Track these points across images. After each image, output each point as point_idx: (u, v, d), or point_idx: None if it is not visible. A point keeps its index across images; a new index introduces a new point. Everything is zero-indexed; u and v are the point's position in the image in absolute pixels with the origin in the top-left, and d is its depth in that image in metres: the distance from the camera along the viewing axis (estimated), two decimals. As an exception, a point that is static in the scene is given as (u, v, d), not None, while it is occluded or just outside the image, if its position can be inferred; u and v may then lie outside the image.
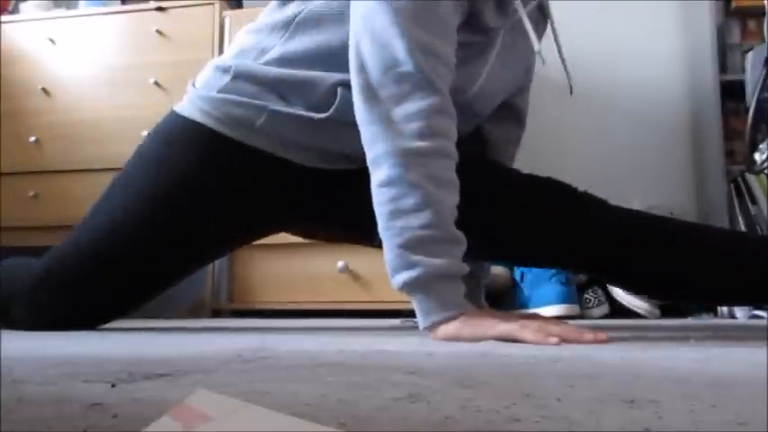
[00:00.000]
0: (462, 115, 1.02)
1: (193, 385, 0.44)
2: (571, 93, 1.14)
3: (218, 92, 1.04)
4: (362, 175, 0.92)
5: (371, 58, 0.89)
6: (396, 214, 0.86)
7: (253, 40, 1.07)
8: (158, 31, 2.30)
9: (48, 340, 0.86)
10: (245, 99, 1.02)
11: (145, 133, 2.25)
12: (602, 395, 0.40)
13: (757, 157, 1.69)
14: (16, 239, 2.22)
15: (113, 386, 0.43)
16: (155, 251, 1.07)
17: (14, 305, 1.08)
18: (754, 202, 2.22)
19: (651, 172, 2.55)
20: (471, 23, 0.97)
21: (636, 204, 2.26)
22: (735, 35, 2.41)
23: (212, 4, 2.30)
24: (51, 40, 2.37)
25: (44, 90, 2.34)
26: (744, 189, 2.24)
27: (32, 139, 2.31)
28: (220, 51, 2.26)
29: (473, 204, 0.94)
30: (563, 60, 1.15)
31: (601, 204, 1.03)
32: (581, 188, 1.09)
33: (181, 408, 0.27)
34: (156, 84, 2.27)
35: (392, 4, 0.88)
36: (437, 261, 0.84)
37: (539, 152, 2.66)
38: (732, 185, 2.27)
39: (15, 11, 2.64)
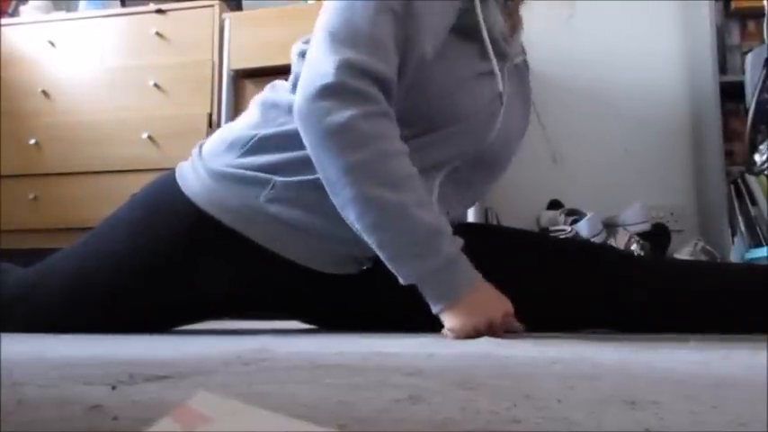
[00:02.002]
0: (485, 169, 1.05)
1: (194, 387, 0.44)
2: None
3: (225, 166, 1.00)
4: (359, 280, 0.97)
5: (303, 82, 0.90)
6: (368, 231, 0.88)
7: (265, 113, 1.03)
8: (158, 34, 2.31)
9: (48, 342, 0.86)
10: (250, 173, 0.98)
11: (145, 135, 2.25)
12: (603, 396, 0.40)
13: (757, 158, 1.69)
14: (16, 242, 2.22)
15: (114, 388, 0.43)
16: (121, 313, 1.04)
17: None
18: (753, 203, 2.22)
19: (651, 173, 2.55)
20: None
21: (637, 205, 2.27)
22: (734, 36, 2.41)
23: (212, 6, 2.30)
24: (51, 43, 2.38)
25: (44, 92, 2.34)
26: (744, 190, 2.25)
27: (32, 141, 2.31)
28: (220, 53, 2.26)
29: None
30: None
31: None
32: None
33: (181, 409, 0.27)
34: (156, 86, 2.27)
35: (326, 28, 0.90)
36: (420, 264, 0.87)
37: (539, 153, 2.67)
38: (732, 186, 2.27)
39: (15, 13, 2.64)
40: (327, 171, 0.88)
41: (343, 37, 0.89)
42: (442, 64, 0.95)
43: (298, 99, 0.90)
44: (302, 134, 0.90)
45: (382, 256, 0.89)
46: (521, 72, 1.12)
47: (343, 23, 0.90)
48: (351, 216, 0.89)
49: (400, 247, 0.87)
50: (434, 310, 0.89)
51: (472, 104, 0.98)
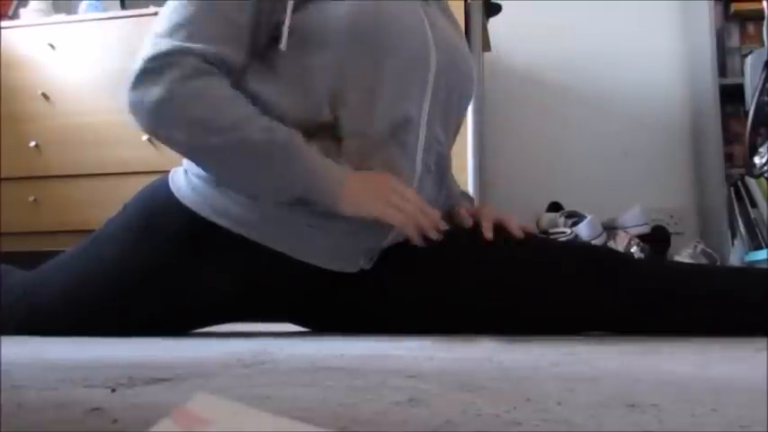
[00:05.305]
0: (456, 87, 1.07)
1: (193, 390, 0.44)
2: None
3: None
4: (367, 278, 0.99)
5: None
6: (240, 177, 0.96)
7: None
8: (158, 36, 2.31)
9: (48, 345, 0.86)
10: None
11: (145, 138, 2.25)
12: (603, 399, 0.40)
13: (757, 160, 1.69)
14: (16, 244, 2.22)
15: (113, 391, 0.43)
16: (122, 317, 1.03)
17: None
18: (753, 205, 2.22)
19: (651, 175, 2.55)
20: None
21: (636, 208, 2.27)
22: (734, 38, 2.42)
23: (212, 8, 2.30)
24: (51, 45, 2.38)
25: (44, 95, 2.34)
26: (744, 192, 2.25)
27: (32, 143, 2.31)
28: (220, 56, 2.26)
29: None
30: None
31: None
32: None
33: (180, 411, 0.27)
34: (156, 88, 2.27)
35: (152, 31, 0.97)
36: (300, 170, 0.93)
37: (539, 155, 2.67)
38: (732, 189, 2.27)
39: (15, 16, 2.64)
40: (174, 145, 0.95)
41: (160, 31, 0.95)
42: None
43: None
44: (139, 125, 0.96)
45: (266, 195, 0.95)
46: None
47: (167, 20, 0.96)
48: (221, 174, 0.96)
49: (275, 173, 0.93)
50: (331, 204, 0.94)
51: (397, 20, 0.99)
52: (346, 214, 0.94)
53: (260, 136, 0.92)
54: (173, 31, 0.94)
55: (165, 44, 0.93)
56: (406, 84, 0.99)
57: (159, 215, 1.03)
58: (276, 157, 0.92)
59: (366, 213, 0.95)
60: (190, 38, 0.93)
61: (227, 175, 0.97)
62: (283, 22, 0.95)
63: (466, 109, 1.18)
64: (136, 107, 0.94)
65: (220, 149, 0.93)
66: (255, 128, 0.92)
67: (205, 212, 0.99)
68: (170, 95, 0.92)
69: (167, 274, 1.00)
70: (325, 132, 0.96)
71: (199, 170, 1.01)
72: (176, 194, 1.01)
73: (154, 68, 0.92)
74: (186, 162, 1.05)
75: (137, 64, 0.94)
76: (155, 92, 0.92)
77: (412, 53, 1.00)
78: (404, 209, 0.96)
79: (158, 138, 0.97)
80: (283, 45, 0.96)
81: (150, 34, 0.96)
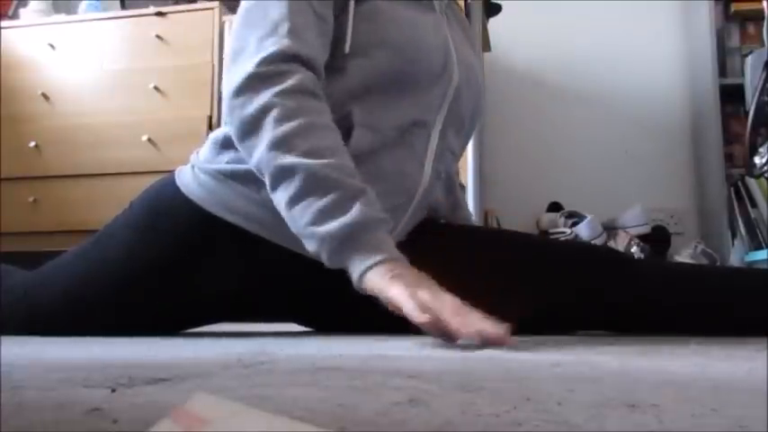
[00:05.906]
0: (469, 98, 1.08)
1: (193, 390, 0.44)
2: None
3: (223, 165, 1.00)
4: None
5: (224, 84, 0.92)
6: (293, 201, 0.85)
7: None
8: (158, 36, 2.31)
9: (48, 345, 0.86)
10: (247, 167, 0.97)
11: (145, 138, 2.25)
12: (603, 399, 0.40)
13: (757, 160, 1.69)
14: (16, 244, 2.23)
15: (113, 391, 0.43)
16: (125, 316, 1.04)
17: None
18: (753, 205, 2.22)
19: (651, 175, 2.55)
20: None
21: (637, 208, 2.27)
22: (734, 39, 2.42)
23: (212, 8, 2.31)
24: (51, 46, 2.38)
25: (44, 95, 2.34)
26: (744, 192, 2.25)
27: (32, 144, 2.31)
28: (220, 56, 2.26)
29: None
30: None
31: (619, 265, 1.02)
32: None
33: (180, 411, 0.27)
34: (156, 88, 2.27)
35: (238, 34, 0.94)
36: (344, 219, 0.82)
37: (539, 156, 2.67)
38: (732, 189, 2.27)
39: (15, 16, 2.65)
40: (255, 158, 0.88)
41: (259, 34, 0.91)
42: (389, 8, 0.98)
43: (227, 88, 0.91)
44: (232, 129, 0.91)
45: (308, 229, 0.84)
46: (451, 10, 1.16)
47: (256, 20, 0.92)
48: (278, 194, 0.86)
49: (321, 208, 0.83)
50: (355, 283, 0.82)
51: (425, 37, 1.00)
52: (362, 288, 0.83)
53: (333, 173, 0.85)
54: (274, 30, 0.90)
55: (273, 44, 0.89)
56: (425, 94, 1.02)
57: (166, 212, 1.03)
58: (338, 196, 0.84)
59: (379, 291, 0.80)
60: (293, 36, 0.90)
61: (284, 198, 0.87)
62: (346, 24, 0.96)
63: (477, 122, 1.20)
64: (234, 111, 0.89)
65: (291, 168, 0.85)
66: (336, 164, 0.85)
67: (213, 208, 0.99)
68: (272, 105, 0.87)
69: (175, 271, 1.01)
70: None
71: (206, 166, 1.02)
72: (184, 191, 1.02)
73: (261, 75, 0.88)
74: (194, 158, 1.06)
75: (246, 67, 0.88)
76: (260, 99, 0.87)
77: (436, 68, 1.02)
78: (432, 307, 0.76)
79: (245, 145, 0.90)
80: (347, 47, 0.96)
81: (245, 32, 0.92)
